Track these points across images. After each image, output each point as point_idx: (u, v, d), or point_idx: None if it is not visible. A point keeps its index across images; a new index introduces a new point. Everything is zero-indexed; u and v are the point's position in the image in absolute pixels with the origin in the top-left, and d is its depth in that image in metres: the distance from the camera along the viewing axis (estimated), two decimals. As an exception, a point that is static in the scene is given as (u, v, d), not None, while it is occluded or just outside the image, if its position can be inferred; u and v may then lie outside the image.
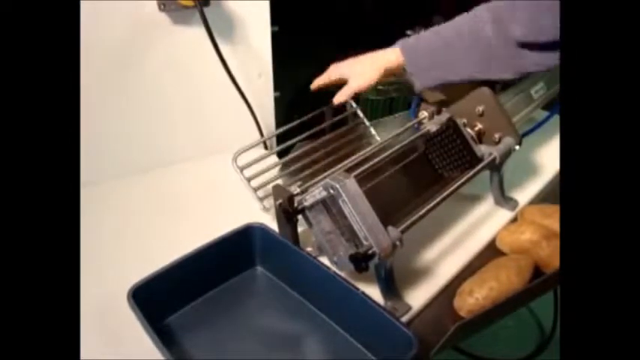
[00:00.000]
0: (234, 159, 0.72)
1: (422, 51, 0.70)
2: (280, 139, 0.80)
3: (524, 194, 0.79)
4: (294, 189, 0.60)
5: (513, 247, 0.67)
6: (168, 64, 0.77)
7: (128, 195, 0.79)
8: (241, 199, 0.73)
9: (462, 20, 0.68)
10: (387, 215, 0.59)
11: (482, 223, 0.73)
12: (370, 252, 0.53)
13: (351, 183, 0.54)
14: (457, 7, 0.71)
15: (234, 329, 0.56)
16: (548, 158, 0.87)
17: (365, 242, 0.54)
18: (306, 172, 0.73)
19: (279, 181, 0.71)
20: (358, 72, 0.73)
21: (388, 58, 0.72)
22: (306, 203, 0.59)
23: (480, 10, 0.67)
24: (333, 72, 0.76)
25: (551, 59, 0.64)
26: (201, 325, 0.56)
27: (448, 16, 0.71)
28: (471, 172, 0.66)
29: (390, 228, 0.55)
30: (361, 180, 0.58)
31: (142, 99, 0.78)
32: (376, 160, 0.64)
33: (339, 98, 0.75)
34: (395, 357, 0.50)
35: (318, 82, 0.77)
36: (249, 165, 0.72)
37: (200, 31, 0.73)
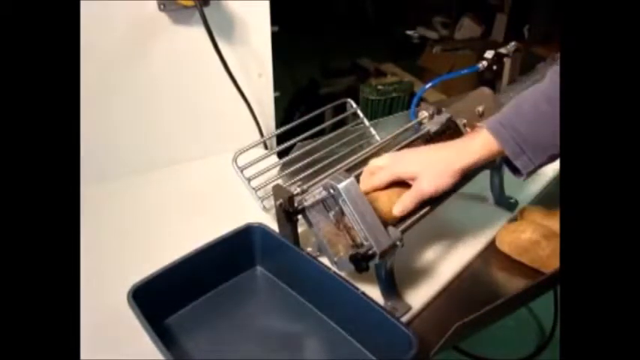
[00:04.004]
0: (234, 159, 0.72)
1: (523, 127, 0.56)
2: (280, 139, 0.80)
3: (524, 194, 0.79)
4: (294, 189, 0.60)
5: (513, 246, 0.67)
6: (168, 64, 0.77)
7: (128, 195, 0.78)
8: (241, 199, 0.73)
9: (545, 88, 0.57)
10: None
11: (482, 223, 0.73)
12: (370, 252, 0.53)
13: (351, 183, 0.54)
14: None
15: (235, 329, 0.56)
16: (548, 158, 0.87)
17: (365, 242, 0.54)
18: (306, 172, 0.73)
19: (279, 181, 0.71)
20: (430, 174, 0.58)
21: (471, 150, 0.58)
22: (306, 203, 0.59)
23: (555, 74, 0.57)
24: (387, 173, 0.60)
25: None
26: (201, 325, 0.56)
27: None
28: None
29: (390, 228, 0.55)
30: (361, 180, 0.58)
31: (142, 99, 0.78)
32: (376, 160, 0.63)
33: (403, 206, 0.58)
34: (395, 357, 0.50)
35: (366, 189, 0.60)
36: (249, 165, 0.72)
37: (200, 31, 0.73)
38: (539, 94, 0.57)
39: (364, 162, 0.64)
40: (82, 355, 0.39)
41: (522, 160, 0.57)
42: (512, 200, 0.76)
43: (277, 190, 0.60)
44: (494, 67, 0.95)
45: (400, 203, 0.58)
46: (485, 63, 0.94)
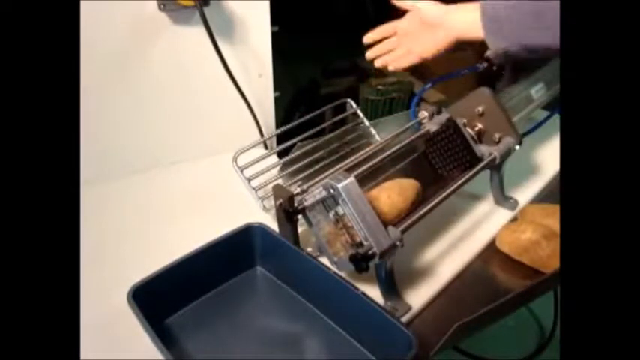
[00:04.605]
0: (234, 159, 0.72)
1: (503, 8, 0.64)
2: (280, 139, 0.80)
3: (524, 194, 0.79)
4: (294, 189, 0.60)
5: (513, 246, 0.67)
6: (168, 64, 0.77)
7: (128, 195, 0.78)
8: (241, 199, 0.73)
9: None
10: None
11: (482, 223, 0.73)
12: (370, 252, 0.53)
13: (351, 183, 0.54)
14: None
15: (234, 329, 0.56)
16: (548, 158, 0.87)
17: (365, 242, 0.54)
18: (306, 172, 0.73)
19: (279, 181, 0.71)
20: (426, 39, 0.69)
21: (466, 23, 0.67)
22: (306, 203, 0.59)
23: None
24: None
25: None
26: (201, 325, 0.56)
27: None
28: (471, 172, 0.66)
29: (390, 228, 0.55)
30: (361, 180, 0.58)
31: (142, 99, 0.78)
32: (376, 160, 0.64)
33: (399, 64, 0.72)
34: (395, 357, 0.50)
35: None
36: (249, 165, 0.72)
37: (200, 31, 0.73)
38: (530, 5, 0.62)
39: (364, 162, 0.64)
40: (82, 355, 0.40)
41: (490, 37, 0.65)
42: (512, 200, 0.76)
43: (277, 190, 0.60)
44: (494, 67, 0.95)
45: (399, 61, 0.71)
46: (485, 63, 0.94)
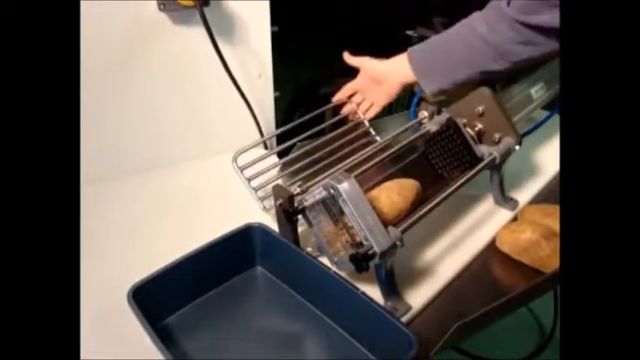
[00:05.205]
0: (234, 159, 0.72)
1: (425, 55, 0.73)
2: (280, 139, 0.80)
3: (524, 194, 0.79)
4: (294, 189, 0.60)
5: (513, 246, 0.67)
6: (168, 64, 0.77)
7: (128, 195, 0.78)
8: (241, 199, 0.73)
9: (460, 22, 0.72)
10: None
11: (482, 223, 0.73)
12: (370, 252, 0.53)
13: (351, 183, 0.54)
14: (458, 8, 0.71)
15: (234, 329, 0.56)
16: (548, 158, 0.87)
17: (365, 242, 0.54)
18: (306, 172, 0.73)
19: (279, 181, 0.71)
20: (379, 93, 0.81)
21: (403, 73, 0.76)
22: (306, 203, 0.59)
23: (475, 13, 0.71)
24: (349, 90, 0.85)
25: (539, 48, 0.65)
26: (201, 325, 0.56)
27: (449, 16, 0.71)
28: (471, 172, 0.66)
29: (390, 228, 0.55)
30: (361, 180, 0.58)
31: (142, 99, 0.78)
32: (376, 160, 0.64)
33: (367, 115, 0.85)
34: (395, 357, 0.50)
35: (339, 97, 0.86)
36: (249, 165, 0.72)
37: (200, 31, 0.73)
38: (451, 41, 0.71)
39: (364, 162, 0.64)
40: (82, 355, 0.40)
41: (422, 80, 0.74)
42: (512, 200, 0.76)
43: (277, 190, 0.60)
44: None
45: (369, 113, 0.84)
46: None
